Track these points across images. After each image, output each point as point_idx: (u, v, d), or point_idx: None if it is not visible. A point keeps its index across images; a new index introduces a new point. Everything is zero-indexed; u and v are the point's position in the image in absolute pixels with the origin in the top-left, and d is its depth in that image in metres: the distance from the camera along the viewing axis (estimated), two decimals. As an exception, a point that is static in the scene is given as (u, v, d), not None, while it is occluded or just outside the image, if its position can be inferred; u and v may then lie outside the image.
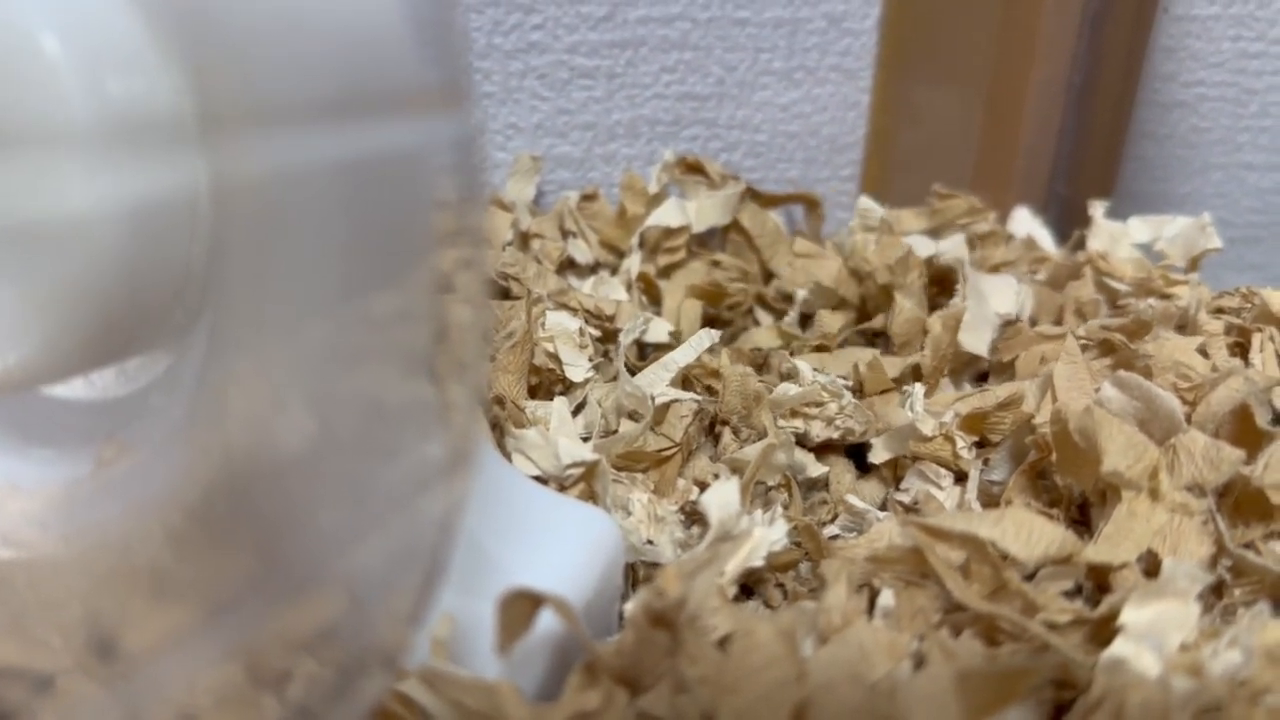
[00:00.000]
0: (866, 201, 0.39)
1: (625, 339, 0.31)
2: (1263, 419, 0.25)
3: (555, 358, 0.31)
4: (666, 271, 0.40)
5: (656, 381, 0.30)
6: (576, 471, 0.26)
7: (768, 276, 0.41)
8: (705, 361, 0.31)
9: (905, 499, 0.29)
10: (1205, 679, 0.18)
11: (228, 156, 0.14)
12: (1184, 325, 0.34)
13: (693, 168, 0.41)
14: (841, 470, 0.31)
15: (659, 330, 0.37)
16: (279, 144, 0.14)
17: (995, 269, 0.37)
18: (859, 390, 0.33)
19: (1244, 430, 0.26)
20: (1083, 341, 0.30)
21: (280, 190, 0.14)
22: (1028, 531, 0.21)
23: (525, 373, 0.30)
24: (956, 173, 0.46)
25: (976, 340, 0.33)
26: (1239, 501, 0.24)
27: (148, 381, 0.20)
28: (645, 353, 0.37)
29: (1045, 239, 0.44)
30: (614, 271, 0.40)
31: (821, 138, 0.44)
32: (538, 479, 0.27)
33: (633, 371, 0.35)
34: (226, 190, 0.14)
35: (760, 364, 0.36)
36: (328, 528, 0.18)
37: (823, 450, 0.31)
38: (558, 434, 0.27)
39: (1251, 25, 0.47)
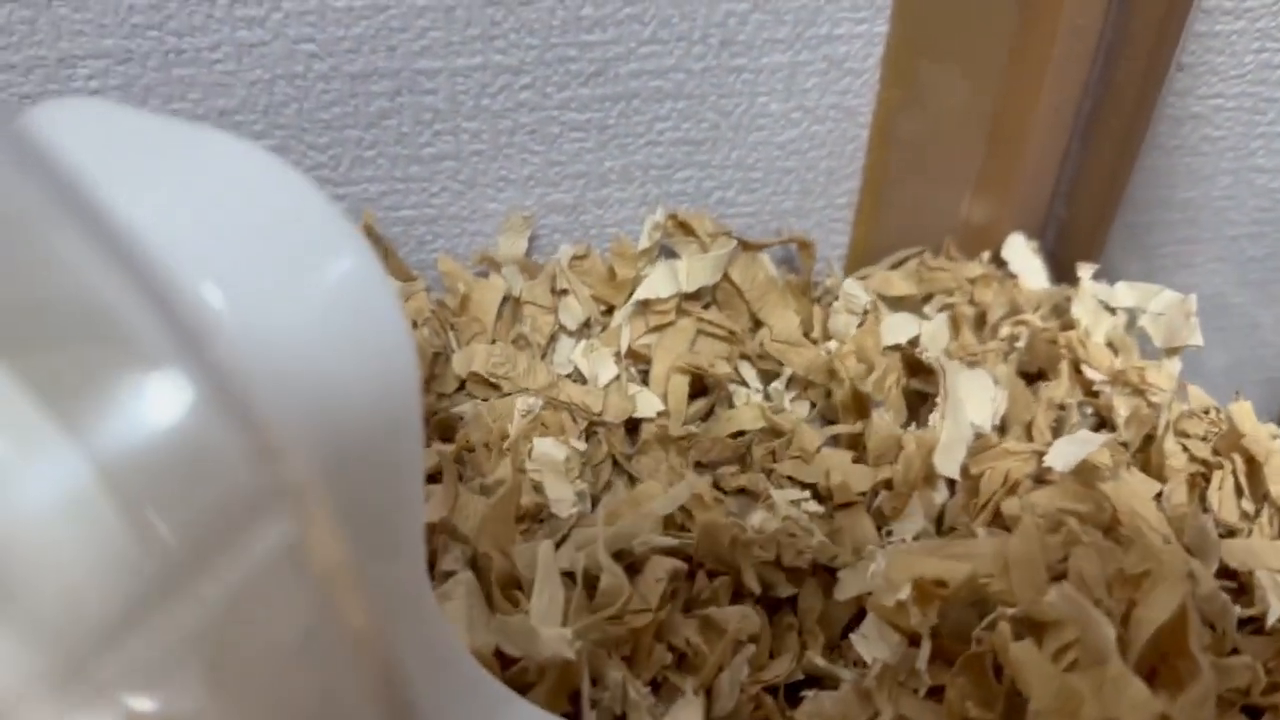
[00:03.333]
0: (852, 285, 0.39)
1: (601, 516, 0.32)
2: (1198, 643, 0.27)
3: (541, 490, 0.33)
4: (656, 329, 0.40)
5: (638, 529, 0.32)
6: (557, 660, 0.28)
7: (758, 324, 0.42)
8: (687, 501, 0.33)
9: (864, 651, 0.31)
10: None
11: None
12: (1151, 436, 0.36)
13: (683, 226, 0.40)
14: (810, 594, 0.33)
15: (648, 406, 0.38)
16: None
17: (974, 360, 0.38)
18: (829, 497, 0.35)
19: (1178, 643, 0.28)
20: (1040, 515, 0.31)
21: None
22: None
23: (512, 519, 0.32)
24: (954, 195, 0.46)
25: (949, 463, 0.34)
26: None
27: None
28: (636, 426, 0.38)
29: (1037, 272, 0.44)
30: (604, 328, 0.41)
31: (819, 171, 0.43)
32: (519, 662, 0.29)
33: (617, 462, 0.37)
34: None
35: (742, 456, 0.37)
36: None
37: (794, 571, 0.33)
38: (541, 612, 0.29)
39: (1277, 36, 0.44)
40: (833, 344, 0.40)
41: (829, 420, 0.40)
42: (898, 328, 0.38)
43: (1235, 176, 0.49)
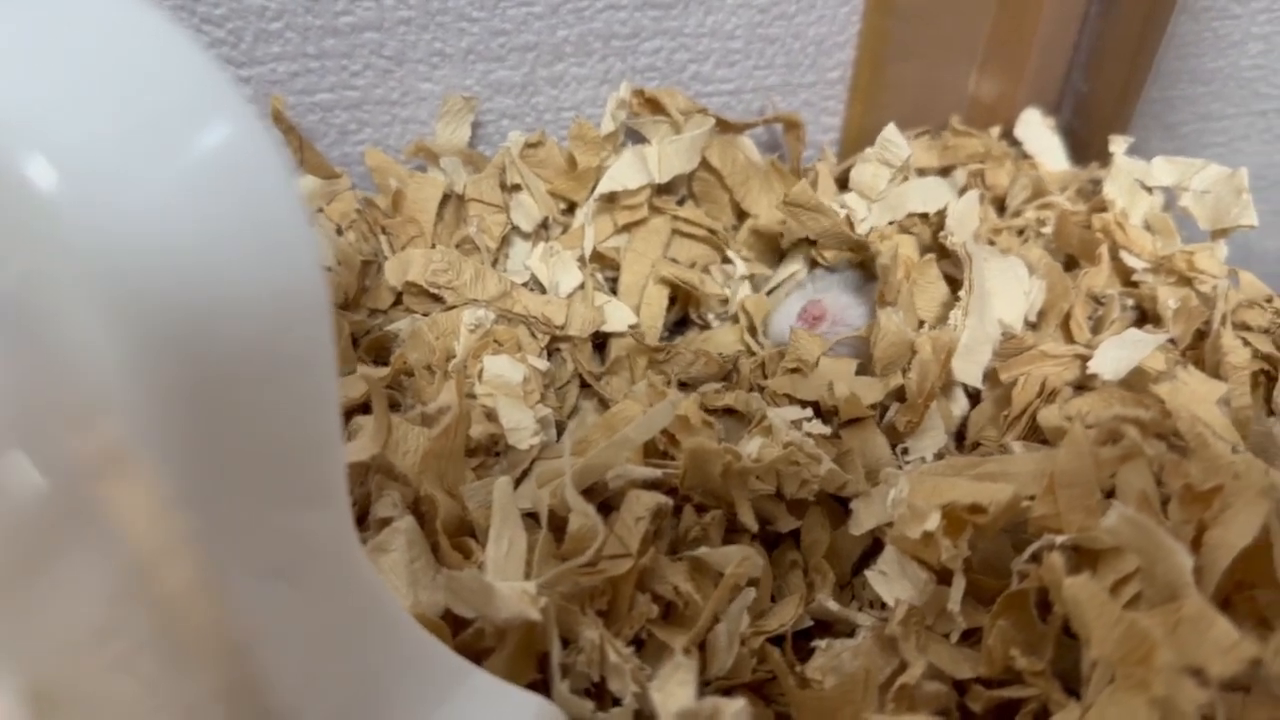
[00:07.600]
0: (893, 133, 0.33)
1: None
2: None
3: (495, 418, 0.28)
4: (626, 228, 0.35)
5: (613, 460, 0.26)
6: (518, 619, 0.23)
7: (740, 215, 0.37)
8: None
9: (883, 591, 0.26)
10: None
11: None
12: (1204, 331, 0.31)
13: (651, 103, 0.35)
14: (814, 526, 0.29)
15: (618, 318, 0.33)
16: None
17: (995, 235, 0.32)
18: (835, 413, 0.30)
19: (1260, 571, 0.23)
20: (1090, 425, 0.26)
21: None
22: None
23: (461, 454, 0.27)
24: (961, 66, 0.40)
25: (970, 369, 0.29)
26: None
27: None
28: (604, 342, 0.33)
29: (1055, 151, 0.39)
30: (565, 229, 0.35)
31: (807, 40, 0.37)
32: (474, 624, 0.24)
33: (585, 382, 0.32)
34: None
35: (728, 373, 0.32)
36: None
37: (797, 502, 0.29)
38: (498, 563, 0.24)
39: (1325, -127, 0.39)
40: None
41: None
42: (922, 196, 0.33)
43: (1266, 42, 0.44)
